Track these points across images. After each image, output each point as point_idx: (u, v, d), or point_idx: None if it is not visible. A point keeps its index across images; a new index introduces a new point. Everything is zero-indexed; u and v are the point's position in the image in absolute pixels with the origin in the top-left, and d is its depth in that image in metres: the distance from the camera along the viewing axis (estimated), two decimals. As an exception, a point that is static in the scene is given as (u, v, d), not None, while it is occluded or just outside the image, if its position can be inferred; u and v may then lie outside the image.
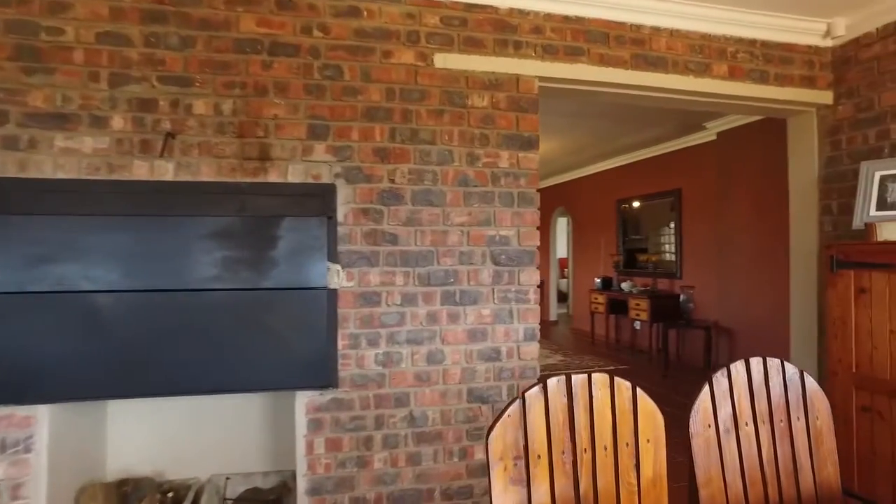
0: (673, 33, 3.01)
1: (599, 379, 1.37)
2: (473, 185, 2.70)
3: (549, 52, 2.80)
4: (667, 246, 7.50)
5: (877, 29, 3.18)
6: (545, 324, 10.92)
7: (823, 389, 1.69)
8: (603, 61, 2.89)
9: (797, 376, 1.63)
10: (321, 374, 2.44)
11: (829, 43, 3.40)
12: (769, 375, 1.59)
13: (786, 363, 1.63)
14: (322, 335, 2.46)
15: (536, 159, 2.81)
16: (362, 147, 2.57)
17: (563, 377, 1.33)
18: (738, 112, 3.74)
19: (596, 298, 8.18)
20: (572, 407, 1.32)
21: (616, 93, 3.03)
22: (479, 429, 2.67)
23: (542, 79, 2.81)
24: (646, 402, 1.42)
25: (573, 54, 2.84)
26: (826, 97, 3.41)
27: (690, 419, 1.48)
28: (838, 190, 3.37)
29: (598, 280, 8.26)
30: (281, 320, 2.41)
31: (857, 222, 2.95)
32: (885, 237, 2.67)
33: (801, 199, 3.63)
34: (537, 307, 2.79)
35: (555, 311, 11.10)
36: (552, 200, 10.90)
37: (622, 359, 7.21)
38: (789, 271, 4.82)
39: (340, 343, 2.51)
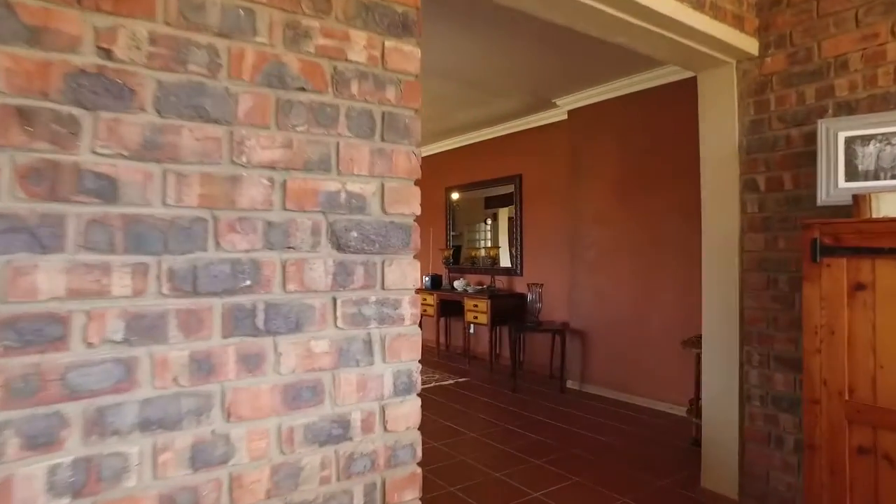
0: None
1: None
2: (297, 86, 1.33)
3: None
4: (505, 239, 6.77)
5: (814, -40, 2.53)
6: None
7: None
8: (521, -90, 1.72)
9: None
10: None
11: (757, -25, 2.70)
12: None
13: None
14: None
15: (417, 57, 1.54)
16: (20, -41, 1.04)
17: None
18: (659, 52, 2.86)
19: (425, 299, 7.15)
20: None
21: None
22: (309, 585, 1.31)
23: (426, -88, 1.54)
24: None
25: None
26: (750, 45, 2.69)
27: None
28: (766, 161, 2.68)
29: (427, 278, 7.25)
30: None
31: (825, 196, 2.22)
32: (886, 213, 1.94)
33: (715, 174, 2.89)
34: (417, 332, 1.53)
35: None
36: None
37: (458, 369, 6.27)
38: (672, 264, 4.22)
39: (-60, 452, 0.96)
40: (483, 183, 6.90)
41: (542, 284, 5.45)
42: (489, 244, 6.92)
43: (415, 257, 1.49)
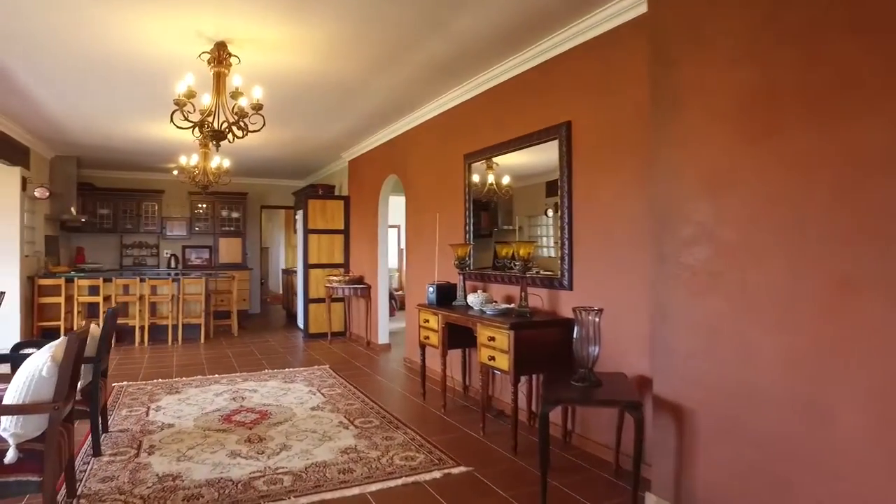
0: None
1: None
2: None
3: None
4: (544, 230, 4.33)
5: None
6: (370, 349, 7.42)
7: None
8: None
9: None
10: None
11: None
12: None
13: None
14: None
15: None
16: None
17: None
18: None
19: (426, 321, 4.80)
20: None
21: None
22: None
23: None
24: None
25: None
26: None
27: None
28: None
29: (431, 288, 4.90)
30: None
31: None
32: None
33: None
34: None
35: (386, 329, 7.64)
36: (380, 166, 7.44)
37: (465, 440, 3.88)
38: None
39: None
40: (511, 143, 4.47)
41: (600, 310, 2.96)
42: (551, 241, 4.46)
43: None
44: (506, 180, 4.80)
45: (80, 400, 3.44)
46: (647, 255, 3.03)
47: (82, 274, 7.91)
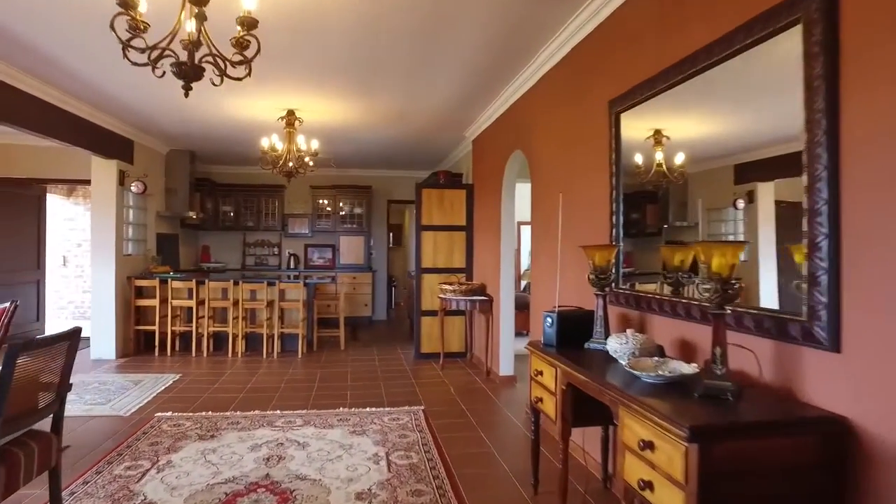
0: None
1: None
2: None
3: None
4: (731, 227, 2.24)
5: None
6: (488, 381, 5.65)
7: None
8: None
9: None
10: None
11: None
12: None
13: None
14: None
15: None
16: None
17: None
18: None
19: (539, 372, 2.92)
20: None
21: None
22: None
23: None
24: None
25: None
26: None
27: None
28: None
29: (549, 319, 2.99)
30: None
31: None
32: None
33: None
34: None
35: (510, 356, 5.81)
36: (503, 141, 5.65)
37: None
38: None
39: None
40: (699, 57, 2.41)
41: None
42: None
43: None
44: (679, 159, 2.73)
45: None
46: None
47: (178, 275, 7.25)
